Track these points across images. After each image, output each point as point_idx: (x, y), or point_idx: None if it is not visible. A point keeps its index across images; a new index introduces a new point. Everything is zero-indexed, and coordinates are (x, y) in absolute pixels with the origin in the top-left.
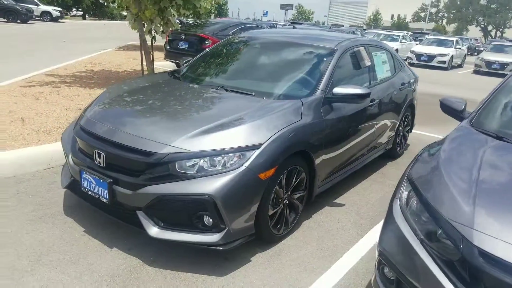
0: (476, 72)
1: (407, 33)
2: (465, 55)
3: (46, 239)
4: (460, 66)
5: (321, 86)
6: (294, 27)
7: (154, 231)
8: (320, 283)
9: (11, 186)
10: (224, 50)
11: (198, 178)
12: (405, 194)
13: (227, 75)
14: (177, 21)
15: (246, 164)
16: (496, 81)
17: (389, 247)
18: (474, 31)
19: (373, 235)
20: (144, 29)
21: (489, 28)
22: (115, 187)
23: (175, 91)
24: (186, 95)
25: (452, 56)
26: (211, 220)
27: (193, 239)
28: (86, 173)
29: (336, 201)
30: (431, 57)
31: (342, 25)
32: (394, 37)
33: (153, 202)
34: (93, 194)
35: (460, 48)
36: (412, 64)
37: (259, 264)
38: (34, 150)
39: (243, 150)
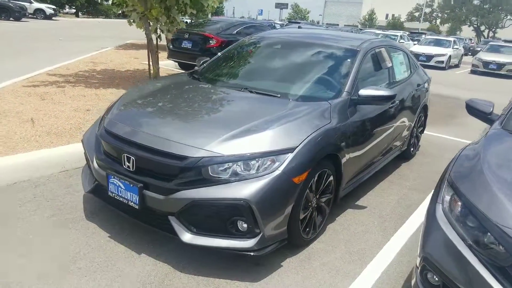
0: (473, 72)
1: (404, 33)
2: (462, 55)
3: (72, 246)
4: (457, 66)
5: (347, 87)
6: (299, 27)
7: (187, 237)
8: (362, 281)
9: (27, 190)
10: (242, 51)
11: (233, 182)
12: (447, 198)
13: (249, 77)
14: (184, 20)
15: (281, 168)
16: (493, 81)
17: (435, 252)
18: (467, 31)
19: (399, 238)
20: (150, 28)
21: (482, 28)
22: (146, 192)
23: (199, 93)
24: (211, 97)
25: (450, 56)
26: (245, 225)
27: (227, 245)
28: (114, 178)
29: (358, 203)
30: (429, 57)
31: (337, 25)
32: (392, 37)
33: (187, 207)
34: (121, 199)
35: (457, 48)
36: None
37: (290, 269)
38: (48, 153)
39: (277, 154)
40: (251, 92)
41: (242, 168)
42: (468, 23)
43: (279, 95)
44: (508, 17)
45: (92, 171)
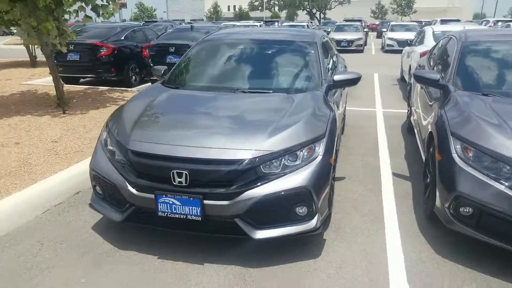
0: (388, 51)
1: (311, 22)
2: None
3: (131, 280)
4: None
5: (323, 76)
6: (192, 27)
7: (257, 233)
8: (390, 233)
9: (25, 239)
10: (209, 54)
11: (287, 174)
12: (459, 148)
13: (233, 78)
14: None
15: (320, 153)
16: (349, 56)
17: (468, 190)
18: (302, 15)
19: (387, 192)
20: (47, 42)
21: (314, 11)
22: (207, 202)
23: (203, 101)
24: (218, 103)
25: (364, 39)
26: (305, 209)
27: (295, 231)
28: (165, 197)
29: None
30: (350, 42)
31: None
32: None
33: (252, 206)
34: (176, 215)
35: (366, 32)
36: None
37: (334, 241)
38: (19, 197)
39: (314, 142)
40: (244, 92)
41: (290, 160)
42: (302, 8)
43: (271, 91)
44: None
45: (124, 197)
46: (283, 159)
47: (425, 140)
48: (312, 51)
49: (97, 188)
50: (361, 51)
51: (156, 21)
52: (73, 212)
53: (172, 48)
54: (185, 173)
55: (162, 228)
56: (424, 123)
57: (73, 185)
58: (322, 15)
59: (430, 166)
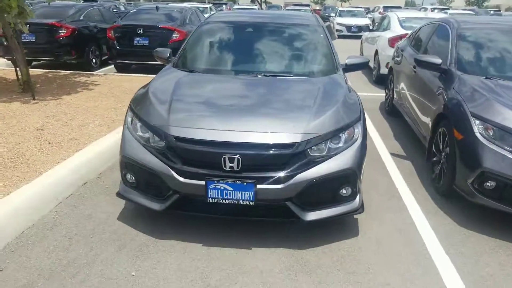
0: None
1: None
2: None
3: (183, 270)
4: None
5: (336, 59)
6: (157, 7)
7: (307, 215)
8: (412, 210)
9: (48, 235)
10: (214, 36)
11: (333, 156)
12: (480, 127)
13: (248, 61)
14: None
15: (359, 134)
16: (356, 42)
17: (494, 165)
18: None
19: (390, 165)
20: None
21: None
22: (260, 186)
23: (232, 84)
24: (244, 86)
25: None
26: (349, 189)
27: (340, 211)
28: (217, 183)
29: None
30: None
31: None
32: (201, 8)
33: (304, 189)
34: (228, 201)
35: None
36: None
37: (367, 219)
38: (25, 192)
39: (353, 124)
40: (266, 76)
41: (333, 143)
42: None
43: (291, 74)
44: None
45: (166, 185)
46: (328, 142)
47: (429, 122)
48: (322, 35)
49: (129, 176)
50: None
51: (96, 1)
52: (89, 203)
53: (140, 30)
54: (237, 158)
55: (210, 215)
56: (425, 105)
57: (79, 176)
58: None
59: (443, 146)
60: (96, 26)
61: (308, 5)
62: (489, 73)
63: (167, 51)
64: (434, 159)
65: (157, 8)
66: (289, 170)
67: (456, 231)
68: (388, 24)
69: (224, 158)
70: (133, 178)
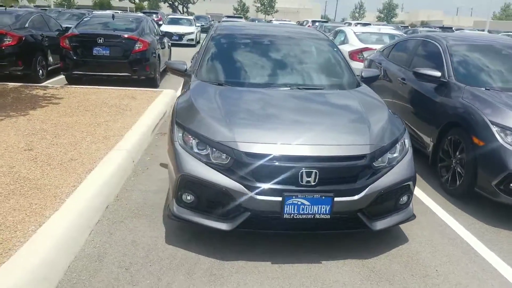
0: None
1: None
2: (200, 32)
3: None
4: (198, 42)
5: (352, 71)
6: (113, 16)
7: (376, 225)
8: (439, 212)
9: (103, 269)
10: (234, 49)
11: (394, 166)
12: (502, 134)
13: (276, 74)
14: None
15: (409, 144)
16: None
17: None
18: (165, 8)
19: None
20: None
21: (176, 4)
22: (337, 199)
23: (270, 98)
24: (287, 99)
25: (196, 34)
26: (406, 197)
27: (400, 219)
28: (295, 198)
29: None
30: (181, 36)
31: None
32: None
33: (375, 199)
34: (303, 216)
35: (199, 26)
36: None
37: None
38: (56, 223)
39: (402, 135)
40: (299, 88)
41: (392, 154)
42: (163, 0)
43: (323, 87)
44: None
45: (236, 203)
46: (388, 153)
47: (433, 130)
48: (335, 48)
49: (186, 196)
50: (194, 45)
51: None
52: (124, 229)
53: (100, 39)
54: (315, 172)
55: (283, 232)
56: (423, 115)
57: (101, 199)
58: (185, 9)
59: (454, 152)
60: (42, 34)
61: (241, 17)
62: (486, 84)
63: (183, 64)
64: (442, 164)
65: (113, 16)
66: (360, 181)
67: (486, 228)
68: (345, 39)
69: (302, 172)
70: (192, 198)
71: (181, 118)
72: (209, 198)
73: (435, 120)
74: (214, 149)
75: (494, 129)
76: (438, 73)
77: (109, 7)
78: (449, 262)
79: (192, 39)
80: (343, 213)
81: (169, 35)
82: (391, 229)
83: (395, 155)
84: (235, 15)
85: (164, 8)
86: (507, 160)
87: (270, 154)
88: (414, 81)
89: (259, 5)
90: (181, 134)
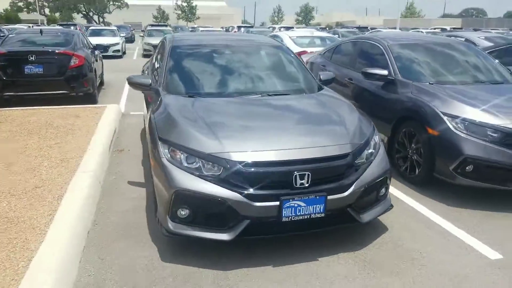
0: (146, 56)
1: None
2: (124, 43)
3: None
4: (124, 53)
5: (312, 75)
6: (41, 31)
7: (363, 218)
8: (408, 201)
9: None
10: (196, 59)
11: (372, 161)
12: (453, 122)
13: (242, 82)
14: None
15: (379, 140)
16: None
17: (472, 152)
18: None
19: None
20: None
21: (91, 14)
22: (330, 197)
23: (245, 106)
24: (261, 107)
25: (122, 44)
26: (385, 189)
27: (382, 210)
28: (292, 200)
29: None
30: (106, 47)
31: None
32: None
33: (361, 194)
34: (300, 217)
35: (123, 36)
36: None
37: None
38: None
39: (373, 132)
40: (269, 95)
41: (367, 150)
42: (77, 11)
43: (289, 93)
44: (111, 3)
45: (235, 212)
46: (365, 151)
47: (389, 124)
48: (292, 54)
49: (181, 212)
50: (120, 56)
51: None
52: (113, 252)
53: (32, 57)
54: (307, 174)
55: (283, 234)
56: (375, 111)
57: (82, 226)
58: (101, 19)
59: (410, 143)
60: None
61: (166, 25)
62: (428, 80)
63: (148, 78)
64: (399, 155)
65: (41, 31)
66: (347, 179)
67: (449, 209)
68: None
69: (295, 175)
70: (187, 212)
71: (164, 133)
72: (206, 211)
73: (387, 115)
74: (205, 162)
75: (446, 119)
76: (385, 72)
77: (18, 20)
78: (428, 244)
79: (118, 50)
80: (335, 210)
81: (100, 47)
82: (372, 221)
83: (370, 151)
84: (160, 24)
85: (78, 19)
86: (461, 145)
87: (264, 161)
88: (361, 81)
89: (180, 12)
90: (167, 150)
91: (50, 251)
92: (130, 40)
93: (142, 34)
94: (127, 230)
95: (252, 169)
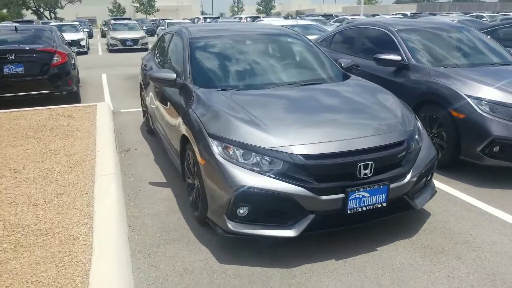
0: (113, 51)
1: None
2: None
3: (357, 286)
4: (88, 49)
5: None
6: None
7: (417, 204)
8: (437, 182)
9: None
10: (220, 51)
11: (421, 147)
12: (481, 104)
13: (267, 72)
14: None
15: (421, 126)
16: (132, 55)
17: (500, 132)
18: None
19: None
20: None
21: (42, 10)
22: (392, 186)
23: (283, 98)
24: (301, 97)
25: (86, 40)
26: (431, 174)
27: (430, 195)
28: (357, 192)
29: None
30: (70, 44)
31: None
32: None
33: (416, 181)
34: (365, 208)
35: (86, 31)
36: None
37: None
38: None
39: (415, 117)
40: (301, 85)
41: (417, 138)
42: (26, 7)
43: (320, 81)
44: None
45: (299, 207)
46: (415, 136)
47: None
48: (311, 43)
49: (241, 210)
50: (85, 53)
51: None
52: (163, 258)
53: (11, 56)
54: (371, 163)
55: (346, 227)
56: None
57: (121, 231)
58: (52, 15)
59: (435, 127)
60: None
61: (129, 19)
62: (441, 63)
63: (171, 72)
64: None
65: (15, 28)
66: (405, 166)
67: (480, 191)
68: None
69: (359, 166)
70: (246, 211)
71: (214, 129)
72: (267, 207)
73: (404, 100)
74: (263, 157)
75: (471, 101)
76: (398, 57)
77: None
78: (474, 225)
79: (83, 46)
80: (394, 199)
81: (75, 43)
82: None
83: (416, 137)
84: (123, 17)
85: (28, 15)
86: (489, 127)
87: (328, 153)
88: (370, 67)
89: (137, 5)
90: (220, 147)
91: (104, 263)
92: (89, 35)
93: (106, 29)
94: (168, 233)
95: (317, 162)
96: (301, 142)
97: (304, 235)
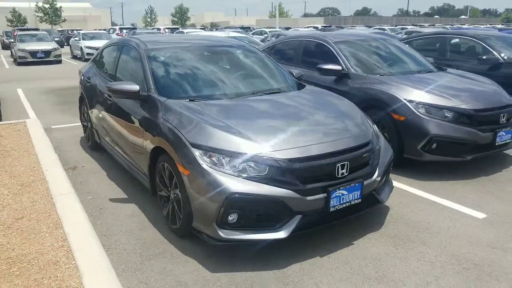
0: (22, 63)
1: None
2: None
3: (360, 277)
4: None
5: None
6: None
7: (383, 198)
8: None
9: None
10: (180, 63)
11: (381, 147)
12: (418, 107)
13: (229, 83)
14: None
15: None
16: (45, 68)
17: (437, 131)
18: None
19: None
20: None
21: None
22: (365, 182)
23: (254, 106)
24: (269, 105)
25: None
26: (389, 172)
27: (391, 189)
28: (337, 190)
29: None
30: None
31: None
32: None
33: (381, 177)
34: (344, 205)
35: None
36: None
37: None
38: None
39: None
40: (265, 93)
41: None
42: None
43: (280, 90)
44: None
45: (287, 209)
46: (375, 136)
47: None
48: (265, 55)
49: (230, 217)
50: None
51: None
52: (151, 274)
53: None
54: (347, 163)
55: (328, 224)
56: None
57: (97, 252)
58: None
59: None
60: None
61: (37, 29)
62: (379, 71)
63: (132, 84)
64: None
65: None
66: (372, 164)
67: (426, 183)
68: None
69: (338, 166)
70: (235, 217)
71: (195, 139)
72: (258, 212)
73: None
74: (249, 163)
75: (409, 104)
76: (339, 67)
77: None
78: (428, 214)
79: None
80: (366, 195)
81: None
82: None
83: (375, 138)
84: (30, 28)
85: None
86: (426, 126)
87: (310, 155)
88: (312, 77)
89: (41, 14)
90: (205, 156)
91: (97, 285)
92: None
93: (11, 40)
94: (148, 249)
95: (301, 164)
96: (285, 147)
97: (292, 235)
